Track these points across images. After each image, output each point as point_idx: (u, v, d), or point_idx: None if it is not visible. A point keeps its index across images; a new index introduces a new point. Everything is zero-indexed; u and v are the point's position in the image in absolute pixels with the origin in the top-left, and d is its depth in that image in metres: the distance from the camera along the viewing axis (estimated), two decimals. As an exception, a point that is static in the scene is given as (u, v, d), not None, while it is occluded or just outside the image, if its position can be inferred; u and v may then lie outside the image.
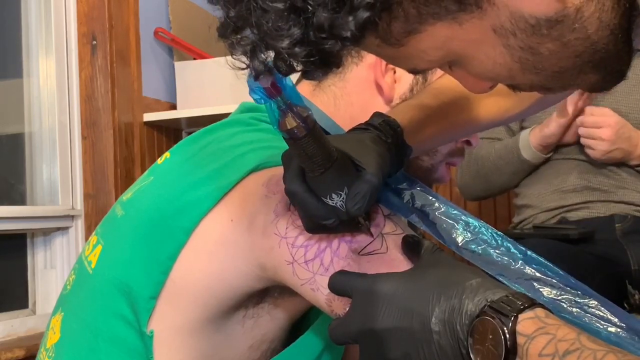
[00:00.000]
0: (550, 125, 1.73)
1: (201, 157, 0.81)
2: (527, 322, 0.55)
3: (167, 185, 0.80)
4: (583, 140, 1.71)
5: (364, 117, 0.90)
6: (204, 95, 2.04)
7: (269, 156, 0.77)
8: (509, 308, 0.56)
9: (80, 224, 1.90)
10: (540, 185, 1.83)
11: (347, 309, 0.63)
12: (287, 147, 0.76)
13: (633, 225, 1.70)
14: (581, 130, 1.70)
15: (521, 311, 0.56)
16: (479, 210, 2.67)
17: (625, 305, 1.59)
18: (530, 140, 1.77)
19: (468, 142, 0.97)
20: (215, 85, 2.03)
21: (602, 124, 1.67)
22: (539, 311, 0.56)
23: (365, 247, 0.67)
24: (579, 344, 0.53)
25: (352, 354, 1.06)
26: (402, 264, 0.66)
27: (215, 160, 0.78)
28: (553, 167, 1.81)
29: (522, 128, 1.90)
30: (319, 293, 0.68)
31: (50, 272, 1.86)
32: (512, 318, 0.55)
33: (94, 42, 1.92)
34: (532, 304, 0.57)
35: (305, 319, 0.84)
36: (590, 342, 0.53)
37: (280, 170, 0.71)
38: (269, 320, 0.79)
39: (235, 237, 0.73)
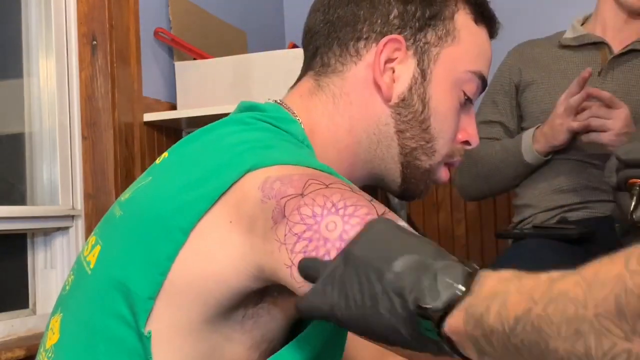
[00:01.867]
0: (559, 137, 1.72)
1: (198, 156, 0.81)
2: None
3: (164, 185, 0.80)
4: (593, 124, 1.68)
5: (363, 116, 0.91)
6: (204, 95, 2.04)
7: (265, 155, 0.77)
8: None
9: (80, 224, 1.90)
10: (540, 185, 1.82)
11: None
12: (283, 145, 0.77)
13: (633, 225, 1.70)
14: (594, 121, 1.68)
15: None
16: (479, 210, 2.68)
17: (625, 305, 1.59)
18: (536, 148, 1.77)
19: (467, 143, 0.97)
20: (215, 85, 2.03)
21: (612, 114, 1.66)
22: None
23: None
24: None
25: (353, 353, 1.07)
26: None
27: (213, 160, 0.78)
28: (553, 167, 1.81)
29: (521, 128, 1.90)
30: None
31: (50, 272, 1.86)
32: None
33: (94, 43, 1.91)
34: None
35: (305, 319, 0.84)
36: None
37: (275, 170, 0.72)
38: (269, 321, 0.79)
39: (234, 238, 0.73)
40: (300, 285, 0.68)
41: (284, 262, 0.69)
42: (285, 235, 0.70)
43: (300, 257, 0.68)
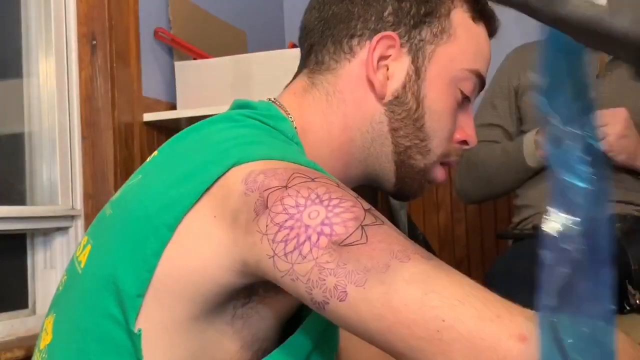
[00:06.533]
0: None
1: (186, 153, 0.80)
2: None
3: (152, 182, 0.80)
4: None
5: (356, 114, 0.90)
6: (204, 95, 2.04)
7: (251, 150, 0.76)
8: None
9: (80, 224, 1.90)
10: (541, 186, 1.82)
11: (327, 295, 0.65)
12: (270, 141, 0.77)
13: (633, 225, 1.69)
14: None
15: None
16: (479, 210, 2.67)
17: (626, 305, 1.58)
18: (539, 153, 1.76)
19: (464, 142, 0.96)
20: (215, 85, 2.02)
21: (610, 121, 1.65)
22: None
23: (345, 239, 0.67)
24: None
25: (354, 354, 1.06)
26: (382, 253, 0.65)
27: (199, 156, 0.78)
28: (553, 167, 1.80)
29: (521, 132, 1.89)
30: (299, 282, 0.67)
31: (50, 272, 1.86)
32: None
33: (94, 42, 1.91)
34: None
35: (299, 320, 0.84)
36: None
37: (259, 164, 0.71)
38: (259, 320, 0.79)
39: (218, 233, 0.73)
40: (283, 275, 0.68)
41: (266, 253, 0.69)
42: (267, 226, 0.69)
43: (281, 246, 0.68)
